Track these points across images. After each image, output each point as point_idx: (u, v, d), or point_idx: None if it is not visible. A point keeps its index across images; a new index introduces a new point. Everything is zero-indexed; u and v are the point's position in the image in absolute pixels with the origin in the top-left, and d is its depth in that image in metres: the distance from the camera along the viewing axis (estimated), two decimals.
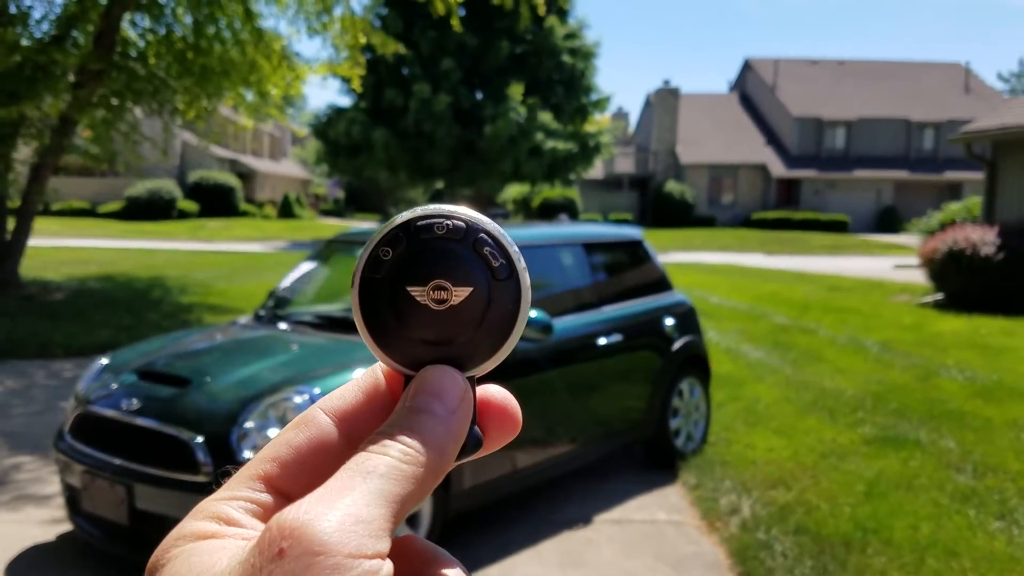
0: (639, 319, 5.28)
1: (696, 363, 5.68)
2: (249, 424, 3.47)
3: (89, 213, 34.04)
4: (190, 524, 0.38)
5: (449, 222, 0.43)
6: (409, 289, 0.42)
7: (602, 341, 4.88)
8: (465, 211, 0.43)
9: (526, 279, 0.44)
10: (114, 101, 11.44)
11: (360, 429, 0.41)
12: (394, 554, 0.36)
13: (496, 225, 0.43)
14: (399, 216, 0.43)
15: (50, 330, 9.20)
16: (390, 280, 0.42)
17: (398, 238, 0.43)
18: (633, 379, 5.18)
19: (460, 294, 0.42)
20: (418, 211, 0.43)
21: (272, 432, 3.45)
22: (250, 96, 12.24)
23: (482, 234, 0.43)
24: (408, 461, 0.37)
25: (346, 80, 12.72)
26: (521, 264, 0.43)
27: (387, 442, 0.38)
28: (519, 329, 0.43)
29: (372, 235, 0.44)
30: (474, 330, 0.42)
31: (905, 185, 39.73)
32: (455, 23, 12.45)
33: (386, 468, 0.36)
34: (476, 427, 0.42)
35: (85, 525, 3.71)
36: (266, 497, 0.39)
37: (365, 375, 0.44)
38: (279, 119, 13.32)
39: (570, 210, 35.54)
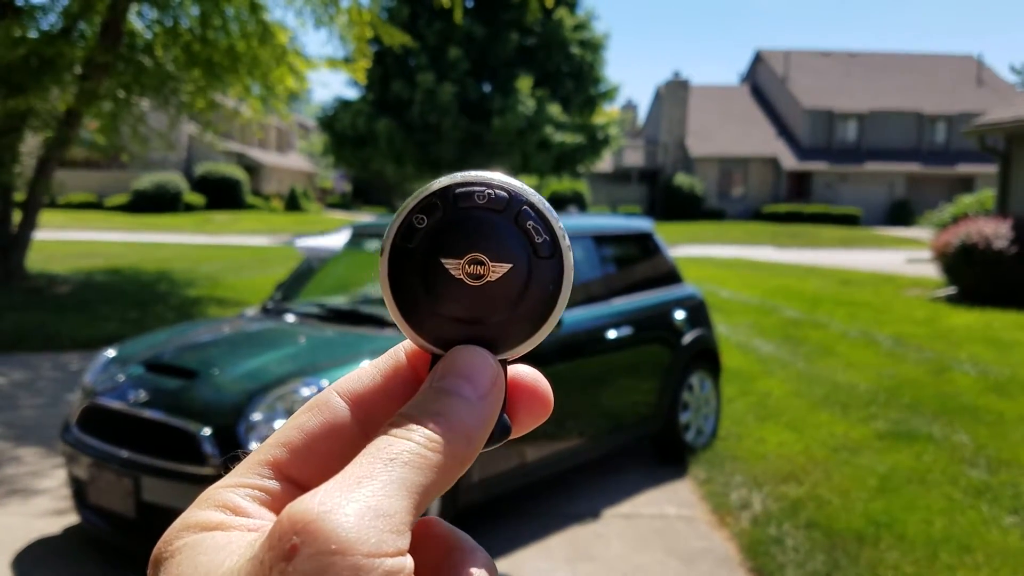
0: (649, 312, 5.24)
1: (706, 357, 5.63)
2: (256, 416, 3.45)
3: (95, 206, 34.13)
4: (195, 513, 0.35)
5: (491, 191, 0.39)
6: (443, 261, 0.39)
7: (612, 334, 4.83)
8: (507, 180, 0.40)
9: (570, 259, 0.40)
10: (120, 94, 11.44)
11: (377, 414, 0.38)
12: (414, 539, 0.33)
13: (541, 197, 0.40)
14: (436, 181, 0.40)
15: (56, 323, 9.21)
16: (423, 250, 0.39)
17: (434, 205, 0.39)
18: (643, 373, 5.14)
19: (498, 270, 0.39)
20: (457, 177, 0.40)
21: (279, 424, 3.43)
22: (256, 89, 12.22)
23: (526, 206, 0.40)
24: (433, 448, 0.34)
25: (351, 70, 12.64)
26: (566, 242, 0.40)
27: (412, 425, 0.35)
28: (558, 312, 0.40)
29: (406, 201, 0.40)
30: (510, 310, 0.39)
31: (917, 178, 39.49)
32: (458, 16, 12.41)
33: (410, 455, 0.34)
34: (504, 414, 0.39)
35: (92, 517, 3.70)
36: (274, 484, 0.37)
37: (385, 356, 0.41)
38: (282, 116, 13.30)
39: (578, 203, 35.45)
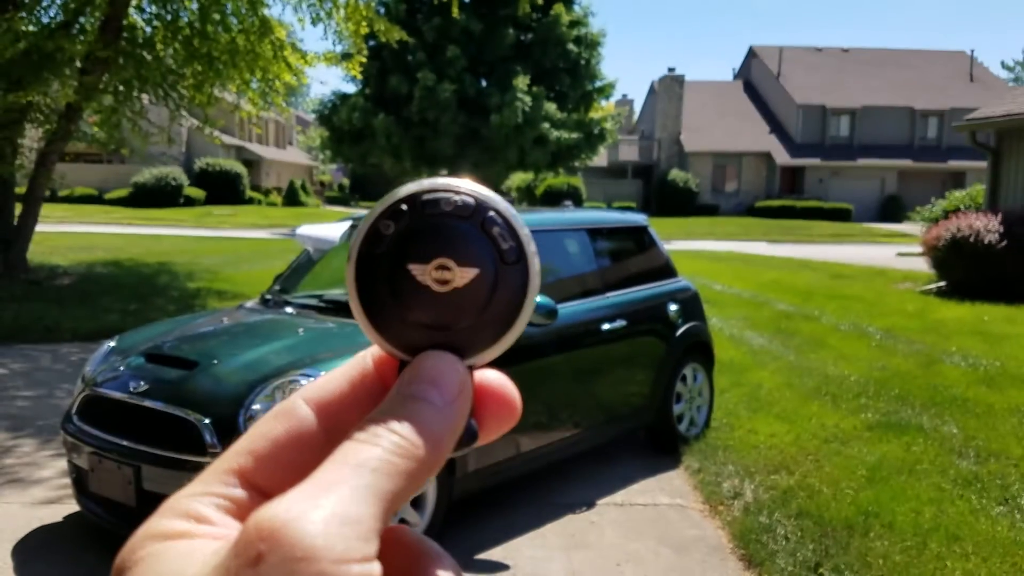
0: (643, 305, 5.29)
1: (700, 349, 5.68)
2: (256, 407, 3.49)
3: (95, 199, 34.00)
4: (158, 523, 0.35)
5: (458, 198, 0.39)
6: (410, 267, 0.38)
7: (606, 327, 4.88)
8: (474, 186, 0.40)
9: (536, 264, 0.40)
10: (121, 88, 11.42)
11: (343, 422, 0.37)
12: (383, 547, 0.32)
13: (507, 204, 0.40)
14: (403, 188, 0.40)
15: (57, 314, 9.22)
16: (390, 256, 0.39)
17: (401, 212, 0.39)
18: (637, 364, 5.19)
19: (464, 276, 0.38)
20: (424, 184, 0.40)
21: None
22: (255, 84, 12.20)
23: (492, 212, 0.39)
24: (401, 454, 0.34)
25: (347, 67, 12.70)
26: (531, 248, 0.40)
27: (379, 431, 0.34)
28: (524, 318, 0.40)
29: (373, 207, 0.40)
30: (477, 316, 0.39)
31: (909, 173, 39.59)
32: (454, 11, 12.53)
33: (378, 461, 0.33)
34: (472, 419, 0.39)
35: (92, 506, 3.73)
36: (240, 493, 0.36)
37: (351, 362, 0.41)
38: (281, 111, 13.27)
39: (574, 197, 35.46)
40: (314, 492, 0.31)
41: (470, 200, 0.39)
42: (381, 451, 0.33)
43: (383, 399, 0.37)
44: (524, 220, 0.40)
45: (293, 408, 0.38)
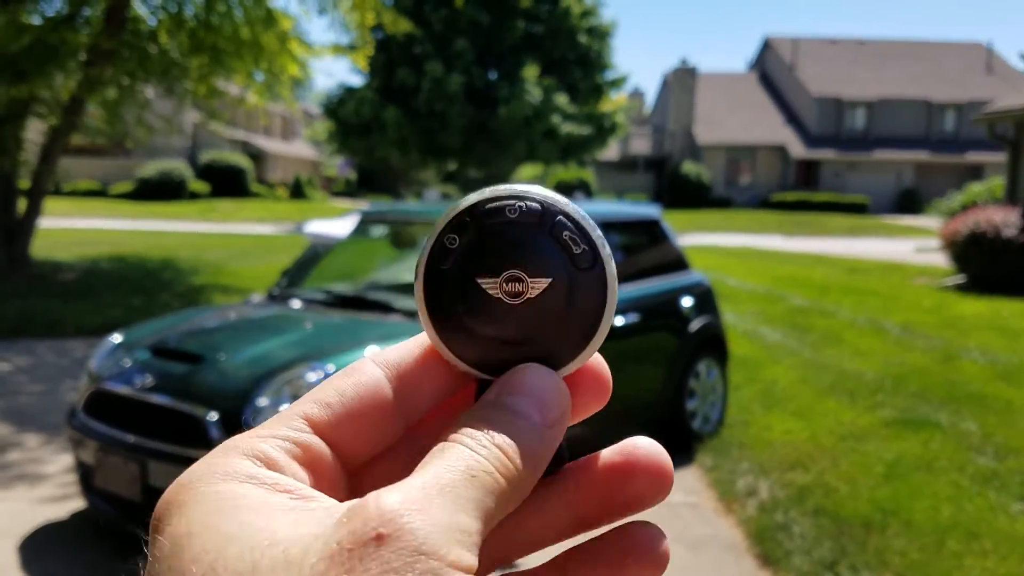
0: (656, 299, 5.22)
1: (713, 344, 5.61)
2: (263, 401, 3.45)
3: (100, 194, 34.19)
4: (220, 460, 0.32)
5: (522, 204, 0.37)
6: (480, 281, 0.37)
7: (618, 321, 4.82)
8: (539, 190, 0.38)
9: (612, 267, 0.38)
10: (125, 81, 11.41)
11: (413, 388, 0.37)
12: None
13: (576, 206, 0.38)
14: (466, 198, 0.38)
15: (61, 310, 9.23)
16: (458, 271, 0.37)
17: (465, 224, 0.37)
18: (649, 360, 5.12)
19: (538, 286, 0.37)
20: (487, 192, 0.38)
21: (285, 409, 3.44)
22: (260, 76, 12.18)
23: (560, 216, 0.37)
24: (505, 474, 0.32)
25: (354, 57, 12.68)
26: (606, 250, 0.38)
27: (484, 442, 0.33)
28: (606, 324, 0.38)
29: (437, 221, 0.38)
30: (556, 326, 0.37)
31: (926, 166, 39.29)
32: (458, 1, 12.51)
33: (486, 476, 0.32)
34: (563, 443, 0.37)
35: (98, 502, 3.70)
36: (310, 439, 0.34)
37: (420, 336, 0.39)
38: (287, 103, 13.25)
39: (585, 190, 35.36)
40: (431, 490, 0.30)
41: (536, 206, 0.38)
42: (489, 466, 0.32)
43: (449, 377, 0.38)
44: None
45: (363, 367, 0.37)
